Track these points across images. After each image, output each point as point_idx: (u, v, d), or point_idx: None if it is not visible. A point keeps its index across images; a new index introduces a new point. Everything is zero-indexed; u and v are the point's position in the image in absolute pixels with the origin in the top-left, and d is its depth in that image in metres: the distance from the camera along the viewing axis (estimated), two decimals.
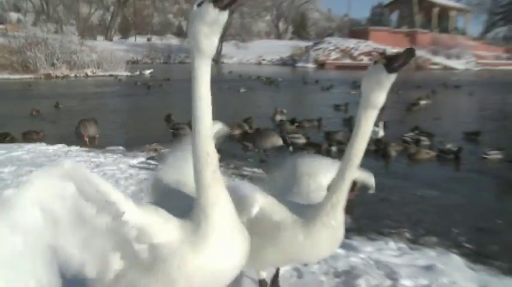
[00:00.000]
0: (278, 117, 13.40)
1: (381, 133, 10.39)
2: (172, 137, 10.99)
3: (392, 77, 1.98)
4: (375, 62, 2.03)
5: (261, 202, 2.30)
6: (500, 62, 67.34)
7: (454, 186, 6.82)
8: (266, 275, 2.72)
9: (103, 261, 1.82)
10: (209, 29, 1.69)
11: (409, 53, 1.96)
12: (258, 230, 2.29)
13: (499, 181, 7.81)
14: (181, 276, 1.76)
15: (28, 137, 10.43)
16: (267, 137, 8.79)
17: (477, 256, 4.54)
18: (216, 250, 1.79)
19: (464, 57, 64.05)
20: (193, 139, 1.81)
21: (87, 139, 10.08)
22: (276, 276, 3.06)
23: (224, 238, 1.81)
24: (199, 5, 1.69)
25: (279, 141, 8.67)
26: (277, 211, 2.33)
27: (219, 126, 2.71)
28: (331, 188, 2.23)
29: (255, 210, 2.26)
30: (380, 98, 2.03)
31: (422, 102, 18.60)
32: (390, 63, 1.97)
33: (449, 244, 4.73)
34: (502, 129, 12.98)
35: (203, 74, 1.76)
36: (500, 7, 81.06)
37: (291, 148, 8.63)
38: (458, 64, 61.97)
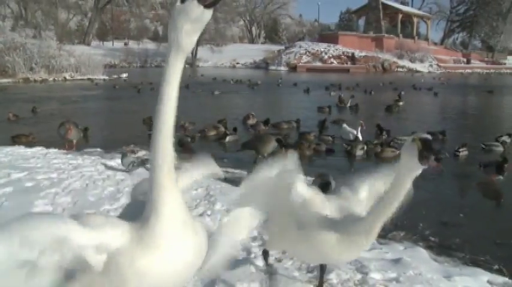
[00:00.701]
0: (250, 122, 13.36)
1: (359, 136, 10.40)
2: (149, 139, 10.92)
3: (423, 167, 2.26)
4: (413, 140, 2.23)
5: (310, 194, 2.64)
6: (459, 65, 70.55)
7: (420, 183, 6.99)
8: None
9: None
10: (191, 26, 1.67)
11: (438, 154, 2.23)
12: (299, 219, 2.59)
13: (461, 177, 8.15)
14: (133, 275, 1.71)
15: (17, 140, 10.18)
16: (268, 142, 8.49)
17: (441, 249, 4.75)
18: (166, 247, 1.73)
19: (427, 60, 66.51)
20: (153, 135, 1.78)
21: (68, 142, 9.68)
22: (321, 275, 3.23)
23: (175, 236, 1.75)
24: (183, 1, 1.66)
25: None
26: (323, 209, 2.59)
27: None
28: (374, 210, 2.44)
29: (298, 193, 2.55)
30: (415, 171, 2.33)
31: (400, 103, 19.24)
32: (422, 152, 2.17)
33: (415, 238, 4.92)
34: (464, 127, 13.54)
35: (175, 71, 1.75)
36: (457, 15, 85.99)
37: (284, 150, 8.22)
38: (421, 67, 64.16)
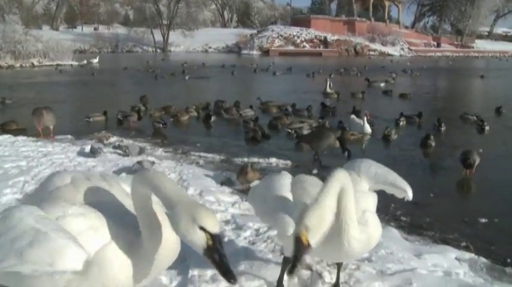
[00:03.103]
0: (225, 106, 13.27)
1: (367, 128, 9.99)
2: (118, 124, 10.86)
3: None
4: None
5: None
6: (430, 49, 71.74)
7: (391, 164, 7.14)
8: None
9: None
10: None
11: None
12: None
13: (432, 158, 8.36)
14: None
15: (7, 128, 9.82)
16: (325, 138, 7.74)
17: (412, 228, 4.87)
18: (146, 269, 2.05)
19: (399, 44, 67.43)
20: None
21: (41, 128, 9.19)
22: (337, 280, 3.21)
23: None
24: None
25: (336, 144, 7.68)
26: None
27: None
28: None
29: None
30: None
31: (382, 84, 19.73)
32: None
33: (387, 218, 5.03)
34: (441, 110, 13.86)
35: None
36: None
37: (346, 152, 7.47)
38: (393, 51, 65.02)
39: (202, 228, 1.72)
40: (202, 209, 1.77)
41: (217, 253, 1.72)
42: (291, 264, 2.25)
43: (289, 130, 9.77)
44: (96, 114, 11.39)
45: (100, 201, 2.17)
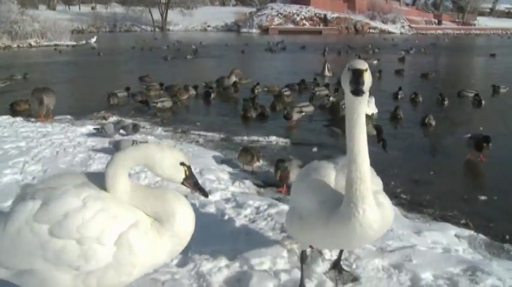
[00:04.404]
0: (233, 79, 13.17)
1: (370, 109, 9.41)
2: (107, 103, 10.74)
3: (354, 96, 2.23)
4: (348, 69, 2.25)
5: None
6: (431, 26, 70.84)
7: (392, 142, 7.16)
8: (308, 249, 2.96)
9: None
10: None
11: None
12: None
13: (432, 136, 8.34)
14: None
15: (17, 108, 9.81)
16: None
17: (412, 205, 4.90)
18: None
19: (399, 22, 66.59)
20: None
21: (42, 109, 8.94)
22: (338, 257, 3.17)
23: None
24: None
25: (373, 131, 6.83)
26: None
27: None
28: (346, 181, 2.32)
29: None
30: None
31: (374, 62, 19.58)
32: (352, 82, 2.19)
33: (387, 196, 5.04)
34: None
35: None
36: None
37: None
38: (393, 28, 64.32)
39: (182, 163, 2.20)
40: (179, 150, 2.27)
41: (193, 178, 2.26)
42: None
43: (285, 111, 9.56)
44: (164, 99, 10.47)
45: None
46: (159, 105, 10.09)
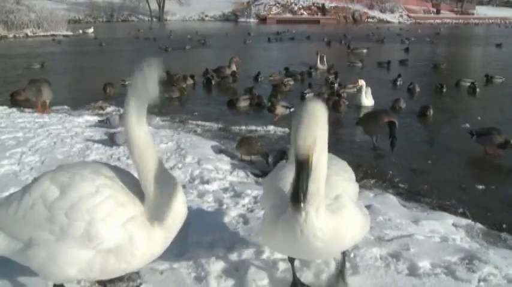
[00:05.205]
0: (232, 67, 13.37)
1: (367, 101, 9.56)
2: (103, 92, 10.71)
3: None
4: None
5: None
6: (429, 16, 70.47)
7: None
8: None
9: None
10: None
11: None
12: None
13: (431, 126, 8.35)
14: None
15: (17, 97, 9.81)
16: (376, 125, 6.54)
17: (410, 194, 4.92)
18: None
19: (397, 11, 66.18)
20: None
21: (40, 101, 8.81)
22: (343, 261, 2.86)
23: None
24: None
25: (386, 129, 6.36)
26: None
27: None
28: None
29: None
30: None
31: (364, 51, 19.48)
32: None
33: (385, 185, 5.05)
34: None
35: None
36: None
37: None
38: (392, 18, 63.99)
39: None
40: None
41: None
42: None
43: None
44: (244, 97, 9.89)
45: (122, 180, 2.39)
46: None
